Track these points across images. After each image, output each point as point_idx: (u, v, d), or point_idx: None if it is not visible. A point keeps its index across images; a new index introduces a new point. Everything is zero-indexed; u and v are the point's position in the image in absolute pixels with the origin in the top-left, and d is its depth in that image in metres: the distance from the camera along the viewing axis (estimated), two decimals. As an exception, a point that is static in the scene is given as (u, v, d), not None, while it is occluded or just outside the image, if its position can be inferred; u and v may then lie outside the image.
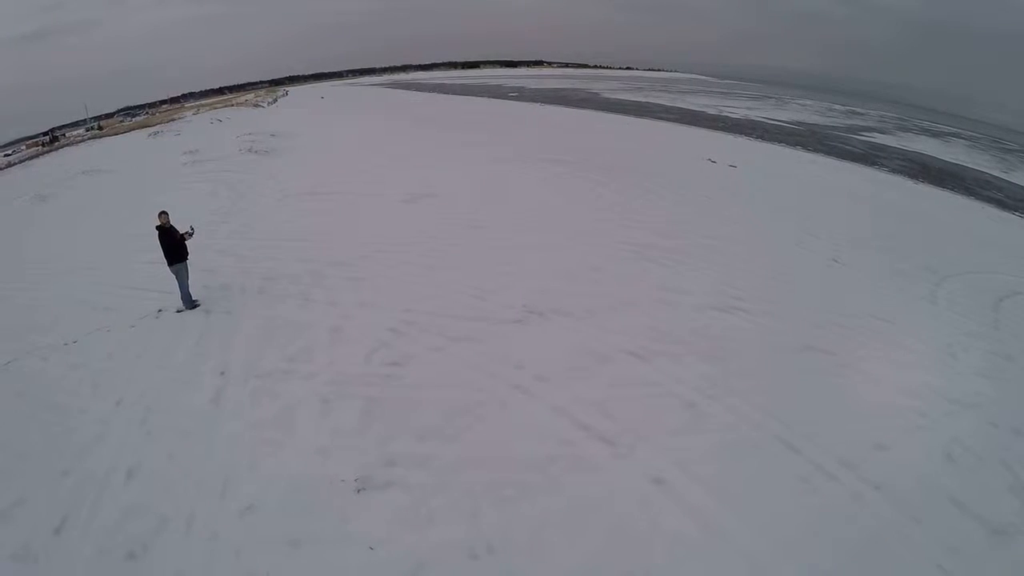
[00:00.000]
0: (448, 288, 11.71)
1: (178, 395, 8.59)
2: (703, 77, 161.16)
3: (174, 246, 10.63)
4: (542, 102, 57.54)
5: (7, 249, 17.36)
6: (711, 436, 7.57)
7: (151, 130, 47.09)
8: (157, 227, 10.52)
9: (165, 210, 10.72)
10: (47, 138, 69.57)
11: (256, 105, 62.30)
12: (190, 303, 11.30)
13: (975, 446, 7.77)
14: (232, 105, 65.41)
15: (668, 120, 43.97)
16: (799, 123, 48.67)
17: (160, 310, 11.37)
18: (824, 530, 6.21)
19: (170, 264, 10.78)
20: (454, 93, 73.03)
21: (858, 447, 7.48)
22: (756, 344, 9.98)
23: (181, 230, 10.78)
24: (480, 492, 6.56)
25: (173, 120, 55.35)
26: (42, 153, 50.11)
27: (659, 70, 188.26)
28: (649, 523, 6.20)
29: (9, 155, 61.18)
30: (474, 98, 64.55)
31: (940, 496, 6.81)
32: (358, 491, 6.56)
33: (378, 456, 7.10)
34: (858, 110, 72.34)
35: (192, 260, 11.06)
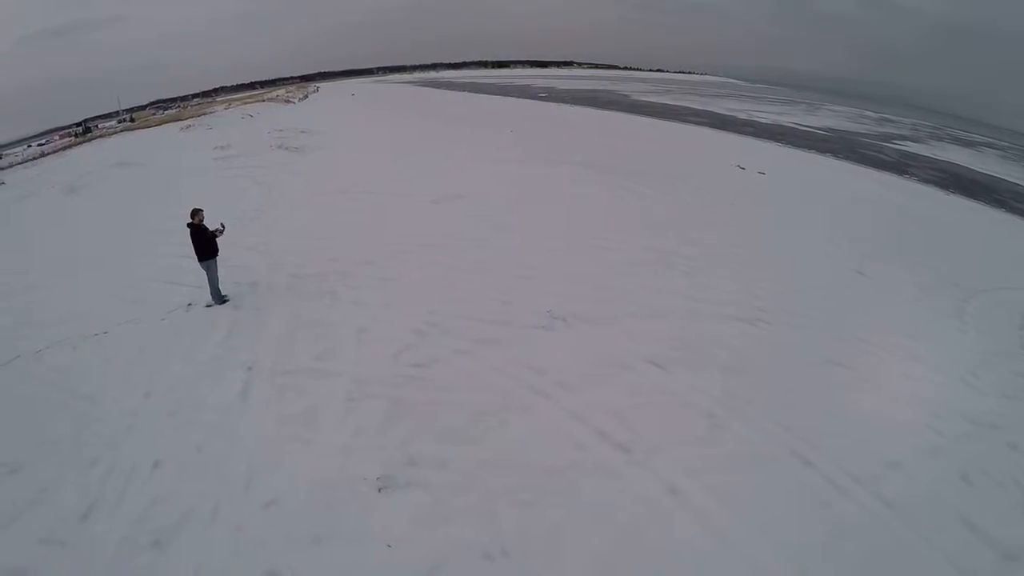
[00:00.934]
0: (474, 290, 11.88)
1: (206, 389, 8.82)
2: (733, 80, 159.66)
3: (205, 243, 10.90)
4: (571, 103, 57.40)
5: (38, 239, 17.85)
6: (727, 447, 7.65)
7: (183, 124, 47.90)
8: (189, 224, 10.77)
9: (200, 208, 10.98)
10: (79, 129, 71.05)
11: (287, 101, 62.88)
12: (220, 298, 11.58)
13: (992, 468, 7.72)
14: (263, 101, 66.04)
15: (697, 124, 43.66)
16: (830, 129, 47.99)
17: (190, 304, 11.67)
18: (833, 545, 6.27)
19: (200, 260, 11.04)
20: (484, 92, 72.94)
21: (872, 464, 7.50)
22: (776, 356, 10.02)
23: (211, 227, 11.04)
24: (498, 495, 6.71)
25: (204, 115, 56.12)
26: (75, 144, 51.04)
27: (689, 72, 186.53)
28: (662, 531, 6.30)
29: (42, 145, 62.60)
30: (504, 98, 64.50)
31: (953, 517, 6.80)
32: (379, 490, 6.73)
33: (400, 456, 7.28)
34: (890, 117, 71.07)
35: (222, 256, 11.27)
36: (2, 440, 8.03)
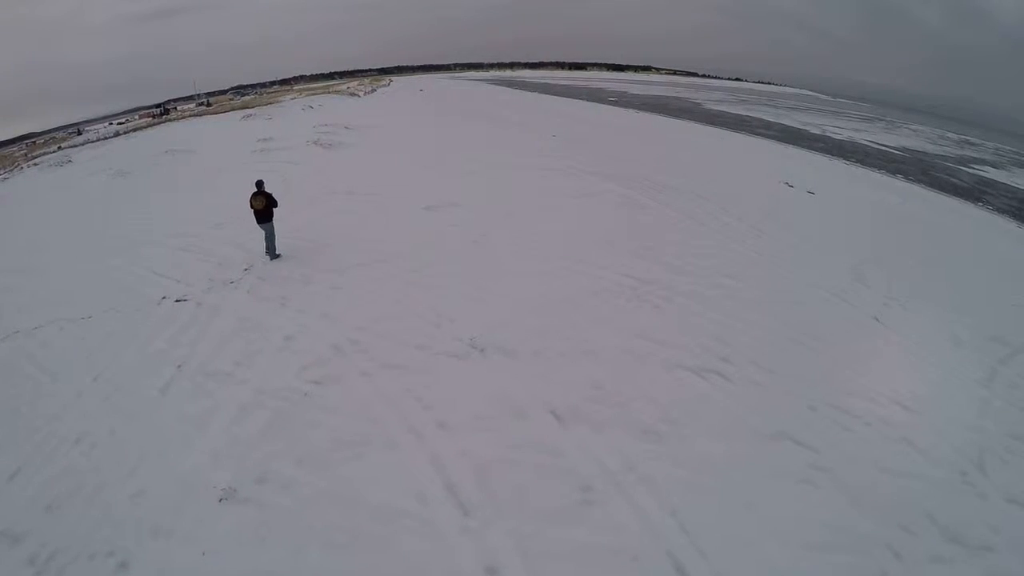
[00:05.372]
0: (414, 309, 12.06)
1: (139, 379, 9.97)
2: (814, 93, 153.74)
3: (270, 208, 14.05)
4: (638, 109, 57.60)
5: (72, 223, 19.97)
6: (585, 533, 6.75)
7: (246, 112, 50.66)
8: (259, 193, 13.81)
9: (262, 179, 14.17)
10: (159, 110, 76.16)
11: (352, 94, 65.41)
12: (275, 254, 14.68)
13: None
14: (330, 92, 68.78)
15: (765, 137, 42.70)
16: (905, 149, 45.57)
17: (164, 297, 12.92)
18: None
19: (264, 223, 14.17)
20: (553, 94, 74.11)
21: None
22: (719, 422, 8.64)
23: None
24: (316, 531, 6.86)
25: (271, 104, 59.10)
26: (149, 126, 54.64)
27: (768, 83, 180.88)
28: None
29: (121, 123, 67.55)
30: (571, 100, 65.35)
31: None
32: (220, 500, 7.34)
33: (254, 471, 7.75)
34: (972, 140, 66.02)
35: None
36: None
